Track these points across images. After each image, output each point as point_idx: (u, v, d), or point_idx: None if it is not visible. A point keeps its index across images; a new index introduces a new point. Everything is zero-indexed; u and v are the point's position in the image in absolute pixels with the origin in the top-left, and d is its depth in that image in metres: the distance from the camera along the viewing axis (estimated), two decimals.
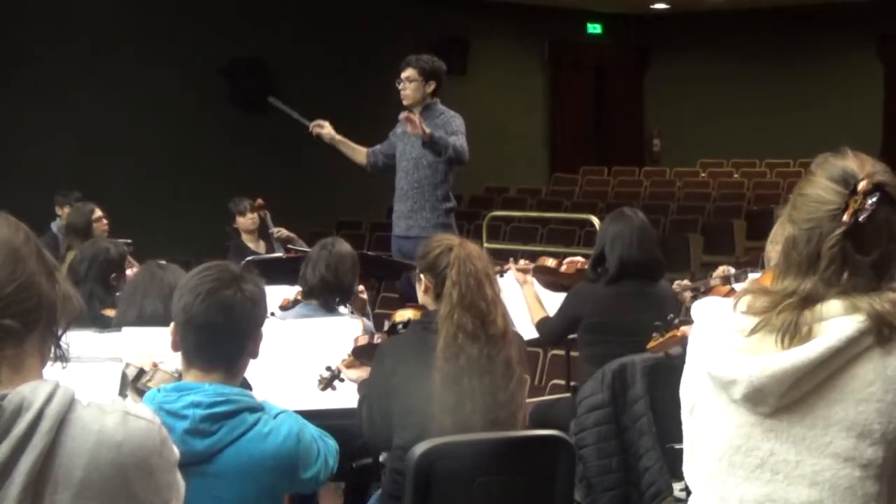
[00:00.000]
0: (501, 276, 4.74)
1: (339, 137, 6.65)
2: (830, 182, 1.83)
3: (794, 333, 1.78)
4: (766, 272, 2.12)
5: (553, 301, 4.97)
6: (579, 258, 5.10)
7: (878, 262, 1.81)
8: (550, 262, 5.07)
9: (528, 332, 4.81)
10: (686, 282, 4.98)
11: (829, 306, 1.78)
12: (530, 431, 3.38)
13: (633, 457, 3.98)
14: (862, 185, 1.79)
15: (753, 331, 1.81)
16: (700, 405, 1.89)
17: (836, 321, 1.77)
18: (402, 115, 6.29)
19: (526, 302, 4.97)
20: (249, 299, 2.63)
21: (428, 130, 6.10)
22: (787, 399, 1.77)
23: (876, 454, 1.75)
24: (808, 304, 1.79)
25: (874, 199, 1.79)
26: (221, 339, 2.64)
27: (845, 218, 1.79)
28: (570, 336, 4.87)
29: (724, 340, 1.84)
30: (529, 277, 5.03)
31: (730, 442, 1.83)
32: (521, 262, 5.12)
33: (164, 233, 10.87)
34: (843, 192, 1.81)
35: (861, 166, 1.83)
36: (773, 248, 1.97)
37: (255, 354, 2.71)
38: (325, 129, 6.59)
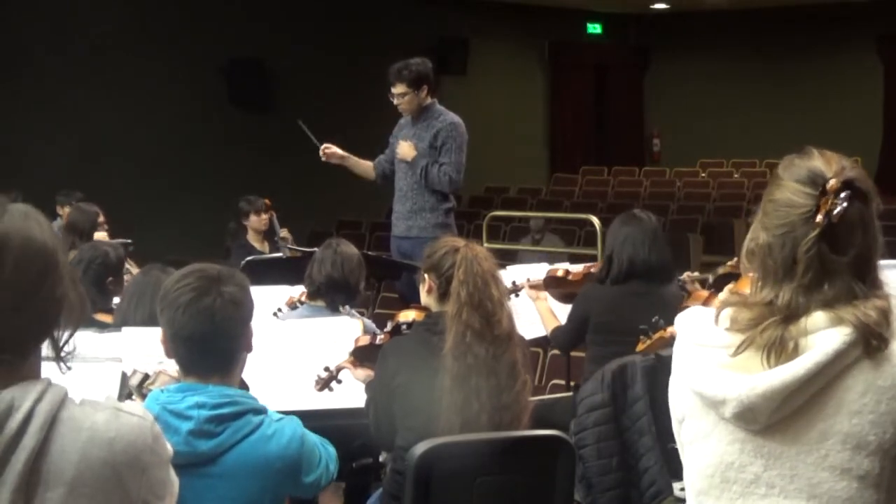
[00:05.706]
0: (517, 296, 4.83)
1: (346, 155, 6.59)
2: (798, 185, 1.80)
3: (780, 350, 1.75)
4: (743, 279, 2.09)
5: (566, 312, 5.02)
6: (585, 264, 5.13)
7: (856, 261, 1.78)
8: (559, 272, 5.10)
9: (538, 332, 4.95)
10: (696, 273, 5.01)
11: (814, 319, 1.75)
12: (530, 431, 3.37)
13: (633, 457, 3.97)
14: (831, 184, 1.76)
15: (738, 350, 1.78)
16: (688, 420, 1.87)
17: (823, 334, 1.74)
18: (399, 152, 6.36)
19: (540, 315, 5.02)
20: (231, 302, 2.60)
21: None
22: (778, 415, 1.75)
23: (873, 465, 1.73)
24: (791, 320, 1.77)
25: (844, 198, 1.76)
26: (211, 348, 2.62)
27: (818, 219, 1.76)
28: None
29: (710, 357, 1.82)
30: (542, 293, 5.07)
31: (722, 458, 1.81)
32: (533, 278, 5.13)
33: (164, 233, 10.86)
34: (813, 194, 1.77)
35: (828, 165, 1.80)
36: (749, 266, 1.90)
37: (249, 348, 2.70)
38: (331, 148, 6.53)
